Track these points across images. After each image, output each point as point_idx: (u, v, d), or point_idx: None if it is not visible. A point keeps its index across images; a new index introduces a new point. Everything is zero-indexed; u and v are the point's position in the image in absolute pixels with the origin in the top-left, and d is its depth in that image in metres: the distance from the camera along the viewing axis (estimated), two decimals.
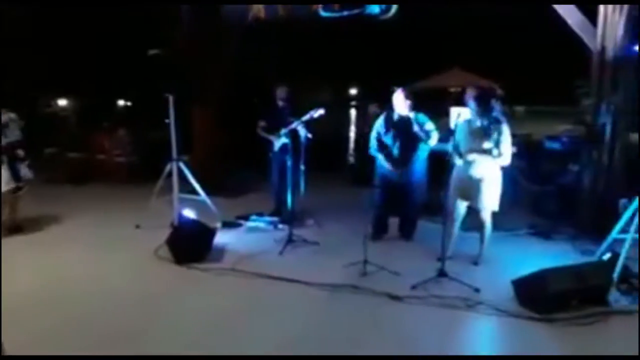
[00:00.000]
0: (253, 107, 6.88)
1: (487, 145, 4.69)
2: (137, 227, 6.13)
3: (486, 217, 4.89)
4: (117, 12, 12.60)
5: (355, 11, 6.19)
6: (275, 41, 13.55)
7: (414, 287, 4.35)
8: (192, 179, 6.13)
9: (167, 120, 5.88)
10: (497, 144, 4.67)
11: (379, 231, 5.75)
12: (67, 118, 16.48)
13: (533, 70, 27.90)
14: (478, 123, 4.75)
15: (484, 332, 3.83)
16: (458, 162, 4.74)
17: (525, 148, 6.95)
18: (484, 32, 24.22)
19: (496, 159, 4.70)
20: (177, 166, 6.00)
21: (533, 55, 26.43)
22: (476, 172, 4.77)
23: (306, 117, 5.80)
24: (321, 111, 5.78)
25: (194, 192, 6.20)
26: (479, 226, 4.98)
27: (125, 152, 9.36)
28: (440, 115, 6.62)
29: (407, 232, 5.82)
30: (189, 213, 5.69)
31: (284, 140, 6.12)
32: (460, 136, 4.77)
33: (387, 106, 5.71)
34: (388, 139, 5.52)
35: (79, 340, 3.52)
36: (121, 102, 20.28)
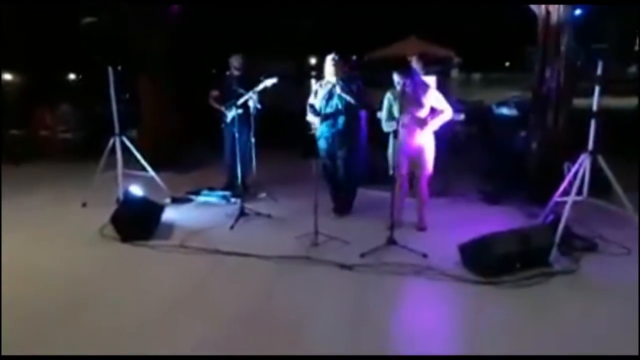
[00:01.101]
0: (210, 78, 6.64)
1: (421, 113, 4.78)
2: (84, 205, 5.93)
3: (425, 182, 5.02)
4: None
5: None
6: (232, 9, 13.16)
7: (362, 256, 4.37)
8: (138, 154, 5.92)
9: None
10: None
11: (339, 205, 5.61)
12: (9, 94, 15.62)
13: (490, 38, 28.26)
14: (409, 90, 4.74)
15: (431, 296, 3.87)
16: (397, 128, 4.70)
17: (476, 114, 7.02)
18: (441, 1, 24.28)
19: (441, 118, 4.82)
20: (120, 141, 5.77)
21: (490, 23, 26.67)
22: (416, 139, 4.83)
23: (259, 87, 5.68)
24: (274, 80, 5.67)
25: (143, 168, 6.01)
26: (418, 192, 5.06)
27: (70, 127, 8.96)
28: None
29: (342, 204, 5.62)
30: (136, 189, 5.50)
31: (235, 112, 5.94)
32: (392, 104, 4.81)
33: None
34: (320, 104, 5.31)
35: (19, 322, 3.39)
36: (73, 76, 19.42)
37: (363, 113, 5.36)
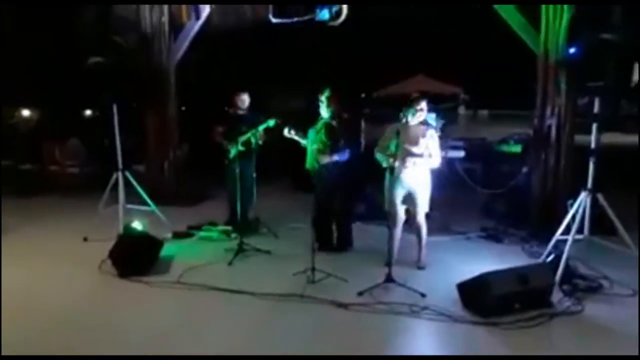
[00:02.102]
0: (219, 114, 6.79)
1: (417, 149, 4.77)
2: (85, 239, 5.96)
3: (422, 220, 4.95)
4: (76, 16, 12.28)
5: (306, 18, 6.13)
6: (234, 48, 13.49)
7: (360, 294, 4.30)
8: (140, 188, 5.98)
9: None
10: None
11: (323, 240, 5.46)
12: (26, 129, 15.98)
13: (497, 75, 28.51)
14: (410, 127, 4.76)
15: (427, 337, 3.79)
16: (395, 165, 4.69)
17: (478, 151, 7.02)
18: (448, 40, 24.70)
19: (428, 162, 4.80)
20: (123, 176, 5.84)
21: (497, 61, 26.96)
22: (412, 175, 4.81)
23: (262, 127, 5.80)
24: (275, 120, 5.80)
25: (146, 202, 6.07)
26: (416, 230, 5.01)
27: (77, 162, 9.10)
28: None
29: (337, 240, 5.55)
30: (136, 224, 5.52)
31: (239, 147, 6.02)
32: (391, 140, 4.78)
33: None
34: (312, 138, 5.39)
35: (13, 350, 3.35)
36: (89, 112, 19.83)
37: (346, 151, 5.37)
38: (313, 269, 4.65)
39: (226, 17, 7.52)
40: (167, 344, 3.60)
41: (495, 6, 5.84)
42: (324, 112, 5.35)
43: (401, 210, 4.94)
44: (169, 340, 3.65)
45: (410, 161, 4.75)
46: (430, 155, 4.80)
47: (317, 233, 5.31)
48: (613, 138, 13.92)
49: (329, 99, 5.29)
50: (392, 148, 4.61)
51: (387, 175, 4.77)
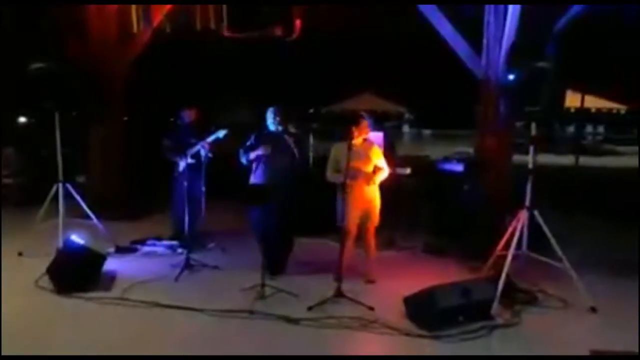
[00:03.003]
0: (166, 126, 6.64)
1: (368, 167, 4.96)
2: (20, 254, 5.66)
3: (372, 235, 5.11)
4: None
5: (256, 33, 6.19)
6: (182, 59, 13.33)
7: (310, 309, 4.33)
8: (82, 201, 5.75)
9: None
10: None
11: (272, 262, 5.12)
12: None
13: (440, 96, 29.52)
14: (356, 146, 4.87)
15: (376, 351, 3.86)
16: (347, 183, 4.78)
17: (422, 169, 7.26)
18: (394, 58, 25.32)
19: (379, 177, 4.98)
20: (64, 188, 5.61)
21: (441, 81, 27.94)
22: (365, 192, 4.95)
23: (211, 138, 5.76)
24: (225, 131, 5.80)
25: (88, 215, 5.84)
26: (366, 244, 5.14)
27: (12, 172, 8.62)
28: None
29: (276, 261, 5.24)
30: (76, 238, 5.30)
31: (188, 160, 5.92)
32: (339, 157, 4.91)
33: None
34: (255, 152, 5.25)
35: None
36: (23, 120, 18.79)
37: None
38: (263, 285, 4.62)
39: (177, 27, 7.42)
40: None
41: (442, 33, 6.11)
42: (272, 125, 5.30)
43: (355, 226, 5.03)
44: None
45: (362, 178, 4.88)
46: (378, 170, 4.99)
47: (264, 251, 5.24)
48: (547, 159, 14.79)
49: (277, 112, 5.27)
50: (343, 166, 4.70)
51: (340, 192, 4.85)
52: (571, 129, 24.17)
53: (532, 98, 4.48)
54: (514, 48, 5.21)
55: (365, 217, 5.02)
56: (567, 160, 13.92)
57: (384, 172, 5.03)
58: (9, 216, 7.52)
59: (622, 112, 26.63)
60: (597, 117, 26.73)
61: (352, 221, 4.96)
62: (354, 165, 4.78)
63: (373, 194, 5.01)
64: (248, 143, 5.33)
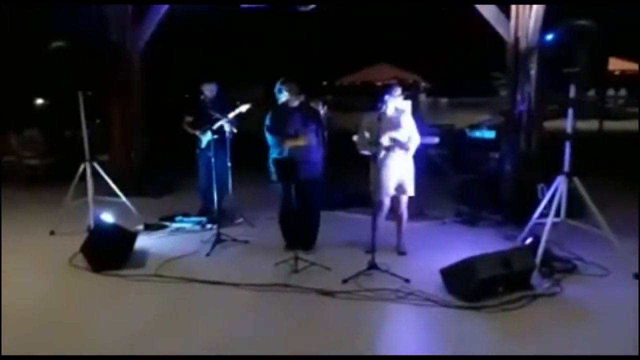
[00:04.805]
0: (183, 103, 6.58)
1: (400, 135, 4.80)
2: (52, 233, 5.69)
3: (405, 205, 4.99)
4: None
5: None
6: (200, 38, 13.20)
7: (345, 282, 4.29)
8: (109, 180, 5.75)
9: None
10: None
11: (290, 238, 5.09)
12: None
13: (457, 64, 28.95)
14: (387, 115, 4.76)
15: (415, 323, 3.81)
16: (382, 154, 4.68)
17: (448, 138, 7.12)
18: (409, 28, 24.84)
19: (412, 146, 4.84)
20: (91, 166, 5.60)
21: (456, 49, 27.36)
22: (400, 162, 4.83)
23: (234, 113, 5.65)
24: (248, 106, 5.68)
25: (115, 193, 5.84)
26: (399, 216, 5.03)
27: (38, 153, 8.67)
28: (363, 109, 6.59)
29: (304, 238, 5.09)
30: (107, 216, 5.31)
31: (210, 136, 5.87)
32: (371, 128, 4.76)
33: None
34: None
35: None
36: (40, 101, 18.92)
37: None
38: (296, 258, 4.59)
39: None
40: (150, 340, 3.48)
41: None
42: (284, 99, 5.06)
43: (389, 198, 4.94)
44: (151, 336, 3.53)
45: (396, 148, 4.76)
46: (410, 139, 4.84)
47: (284, 231, 5.22)
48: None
49: (287, 84, 5.03)
50: (375, 137, 4.58)
51: (374, 164, 4.75)
52: (591, 92, 23.53)
53: (570, 59, 4.26)
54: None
55: (399, 188, 4.91)
56: (590, 124, 13.58)
57: (417, 141, 4.90)
58: (37, 197, 7.61)
59: None
60: (621, 80, 25.96)
61: (387, 192, 4.87)
62: (388, 135, 4.66)
63: (408, 163, 4.89)
64: (268, 122, 5.08)
